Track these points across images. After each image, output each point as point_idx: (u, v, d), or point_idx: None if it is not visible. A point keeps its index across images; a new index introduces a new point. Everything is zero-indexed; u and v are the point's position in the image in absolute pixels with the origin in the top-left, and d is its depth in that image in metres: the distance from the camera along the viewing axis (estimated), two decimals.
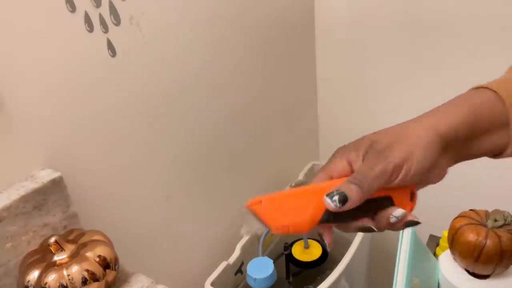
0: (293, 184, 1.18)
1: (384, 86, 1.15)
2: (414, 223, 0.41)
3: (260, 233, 0.38)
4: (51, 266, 0.53)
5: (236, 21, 0.90)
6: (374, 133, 0.40)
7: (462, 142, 0.40)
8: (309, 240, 1.12)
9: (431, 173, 0.39)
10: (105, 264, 0.55)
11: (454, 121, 0.39)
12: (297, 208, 0.37)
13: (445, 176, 0.42)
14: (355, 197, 0.36)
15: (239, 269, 0.99)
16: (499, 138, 0.41)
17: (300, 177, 1.22)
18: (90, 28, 0.63)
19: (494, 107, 0.39)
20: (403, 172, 0.37)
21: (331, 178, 0.40)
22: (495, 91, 0.40)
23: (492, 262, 0.71)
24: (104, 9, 0.64)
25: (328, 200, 0.36)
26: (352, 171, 0.39)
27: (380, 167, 0.37)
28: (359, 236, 0.99)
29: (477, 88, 0.42)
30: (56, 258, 0.54)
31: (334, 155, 0.40)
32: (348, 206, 0.36)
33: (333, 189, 0.37)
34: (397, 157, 0.37)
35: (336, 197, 0.36)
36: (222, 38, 0.88)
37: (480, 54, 0.98)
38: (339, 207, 0.36)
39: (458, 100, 0.41)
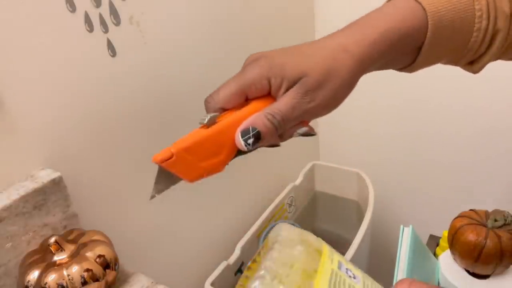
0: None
1: (383, 85, 1.15)
2: (311, 134, 0.39)
3: (170, 187, 0.36)
4: (51, 266, 0.53)
5: (236, 21, 0.90)
6: (298, 55, 0.35)
7: (375, 65, 0.38)
8: None
9: None
10: (105, 264, 0.55)
11: (376, 52, 0.36)
12: (211, 153, 0.35)
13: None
14: (269, 137, 0.34)
15: (239, 269, 0.99)
16: (409, 58, 0.39)
17: (300, 177, 1.22)
18: (90, 28, 0.63)
19: (416, 25, 0.37)
20: (323, 113, 0.36)
21: (245, 95, 0.36)
22: (420, 4, 0.37)
23: (492, 262, 0.71)
24: (104, 9, 0.64)
25: (242, 142, 0.34)
26: (269, 93, 0.36)
27: (303, 111, 0.35)
28: (359, 236, 0.99)
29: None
30: (56, 258, 0.54)
31: (253, 67, 0.36)
32: (259, 145, 0.34)
33: (249, 126, 0.34)
34: (324, 100, 0.35)
35: (251, 140, 0.34)
36: (222, 38, 0.88)
37: None
38: (251, 149, 0.34)
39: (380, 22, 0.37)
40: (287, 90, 0.35)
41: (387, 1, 0.40)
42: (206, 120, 0.35)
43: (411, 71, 0.41)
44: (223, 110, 0.37)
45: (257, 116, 0.35)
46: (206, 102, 0.37)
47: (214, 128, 0.35)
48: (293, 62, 0.34)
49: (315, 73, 0.34)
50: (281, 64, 0.34)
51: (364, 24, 0.37)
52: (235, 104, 0.37)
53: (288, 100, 0.35)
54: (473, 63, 0.42)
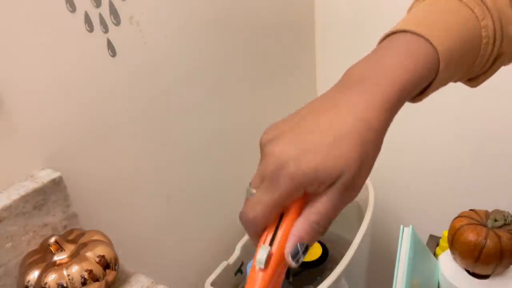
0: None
1: None
2: None
3: None
4: (51, 266, 0.53)
5: (236, 20, 0.90)
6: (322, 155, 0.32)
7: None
8: None
9: None
10: (105, 264, 0.55)
11: (394, 114, 0.35)
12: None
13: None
14: (314, 242, 0.33)
15: (239, 269, 0.99)
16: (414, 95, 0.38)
17: None
18: (90, 28, 0.63)
19: (429, 68, 0.35)
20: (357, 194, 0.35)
21: (282, 208, 0.34)
22: (431, 44, 0.35)
23: (492, 262, 0.71)
24: (104, 9, 0.64)
25: (293, 263, 0.33)
26: (305, 195, 0.34)
27: (344, 204, 0.34)
28: (359, 236, 0.99)
29: (407, 32, 0.36)
30: (56, 258, 0.54)
31: (285, 180, 0.33)
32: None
33: (296, 244, 0.33)
34: (360, 186, 0.34)
35: (301, 257, 0.33)
36: (222, 38, 0.88)
37: None
38: (301, 261, 0.33)
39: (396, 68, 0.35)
40: (324, 190, 0.33)
41: (391, 36, 0.38)
42: (264, 263, 0.33)
43: (413, 102, 0.40)
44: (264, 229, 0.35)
45: (300, 228, 0.33)
46: (247, 223, 0.35)
47: (271, 267, 0.33)
48: (324, 161, 0.32)
49: (350, 169, 0.32)
50: (314, 169, 0.32)
51: (379, 78, 0.35)
52: (274, 220, 0.35)
53: (328, 200, 0.33)
54: (471, 80, 0.42)
